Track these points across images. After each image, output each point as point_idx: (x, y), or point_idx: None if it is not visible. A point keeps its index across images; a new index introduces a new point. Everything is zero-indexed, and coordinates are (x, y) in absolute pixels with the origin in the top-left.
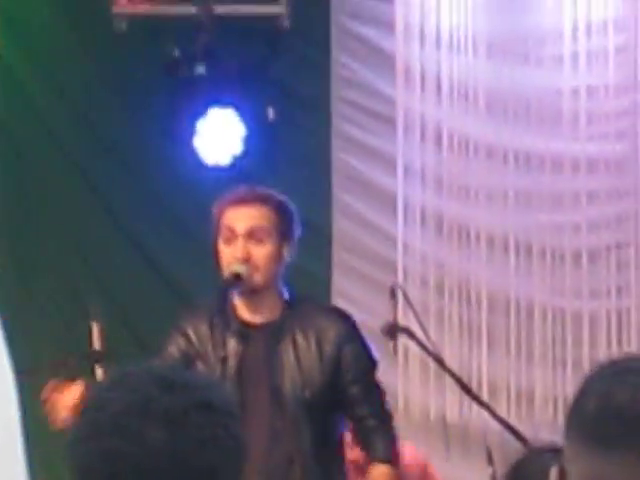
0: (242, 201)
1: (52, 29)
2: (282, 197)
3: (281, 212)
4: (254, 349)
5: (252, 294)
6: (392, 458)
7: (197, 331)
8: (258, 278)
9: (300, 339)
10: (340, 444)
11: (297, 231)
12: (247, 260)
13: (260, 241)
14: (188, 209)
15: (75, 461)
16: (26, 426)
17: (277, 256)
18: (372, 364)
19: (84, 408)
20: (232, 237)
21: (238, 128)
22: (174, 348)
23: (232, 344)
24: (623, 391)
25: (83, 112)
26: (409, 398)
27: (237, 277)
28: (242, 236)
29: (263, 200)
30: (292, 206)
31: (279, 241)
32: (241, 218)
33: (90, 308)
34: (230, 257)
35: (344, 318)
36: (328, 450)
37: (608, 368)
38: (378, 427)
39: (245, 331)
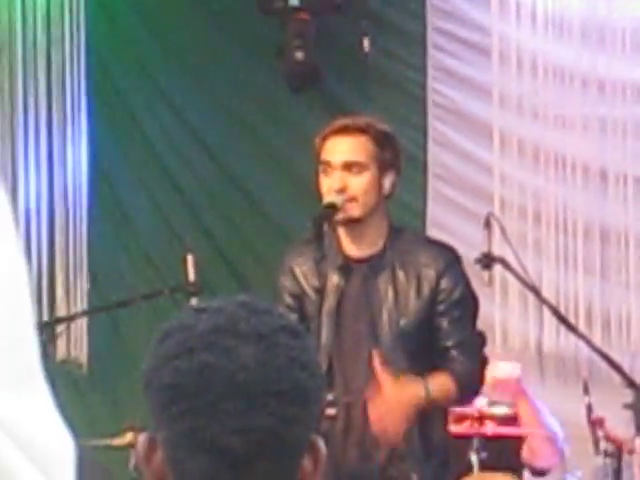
0: (341, 131)
1: None
2: (384, 126)
3: (381, 142)
4: (355, 283)
5: (352, 226)
6: (462, 379)
7: (302, 267)
8: (355, 209)
9: (400, 274)
10: None
11: (400, 161)
12: (343, 191)
13: (357, 172)
14: (281, 140)
15: (161, 381)
16: (119, 357)
17: (376, 187)
18: (468, 300)
19: (168, 331)
20: (329, 169)
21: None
22: (285, 292)
23: (334, 279)
24: None
25: (176, 44)
26: (507, 328)
27: (332, 207)
28: (339, 167)
29: (362, 130)
30: (394, 135)
31: (378, 172)
32: (338, 149)
33: (185, 240)
34: (327, 188)
35: (446, 253)
36: None
37: None
38: (459, 357)
39: (347, 266)
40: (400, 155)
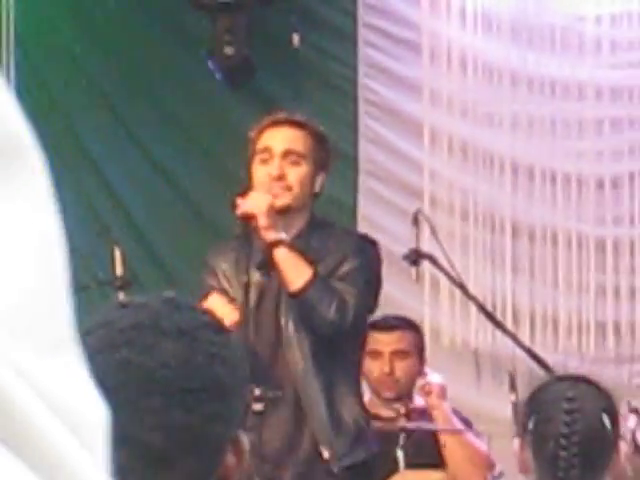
0: (280, 123)
1: None
2: (319, 127)
3: (318, 140)
4: (275, 277)
5: (279, 215)
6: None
7: (222, 266)
8: (288, 198)
9: (319, 267)
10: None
11: (330, 164)
12: (281, 179)
13: (296, 163)
14: (212, 135)
15: (90, 375)
16: None
17: (310, 181)
18: (366, 276)
19: (91, 326)
20: (268, 157)
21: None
22: (212, 291)
23: (255, 275)
24: None
25: (104, 34)
26: (436, 325)
27: (247, 218)
28: (278, 155)
29: (302, 125)
30: (328, 138)
31: (313, 167)
32: (279, 138)
33: (112, 234)
34: (264, 175)
35: (366, 248)
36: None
37: None
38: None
39: (267, 261)
40: (330, 158)
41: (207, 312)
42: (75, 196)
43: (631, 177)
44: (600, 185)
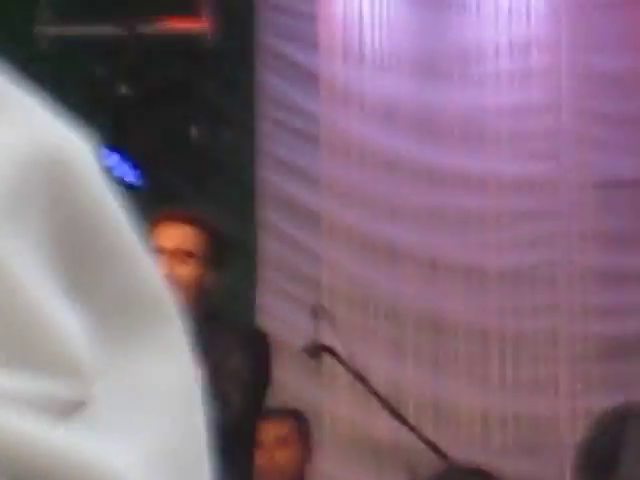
0: (172, 219)
1: None
2: (213, 222)
3: (212, 236)
4: None
5: None
6: None
7: None
8: (180, 295)
9: (201, 363)
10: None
11: (223, 260)
12: (169, 276)
13: (185, 261)
14: None
15: None
16: None
17: (199, 279)
18: (251, 376)
19: None
20: (159, 255)
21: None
22: None
23: None
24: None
25: None
26: (336, 416)
27: None
28: (168, 253)
29: (195, 221)
30: (222, 233)
31: (204, 265)
32: (169, 236)
33: None
34: None
35: (254, 342)
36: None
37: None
38: None
39: None
40: (224, 253)
41: None
42: None
43: (532, 269)
44: (501, 277)
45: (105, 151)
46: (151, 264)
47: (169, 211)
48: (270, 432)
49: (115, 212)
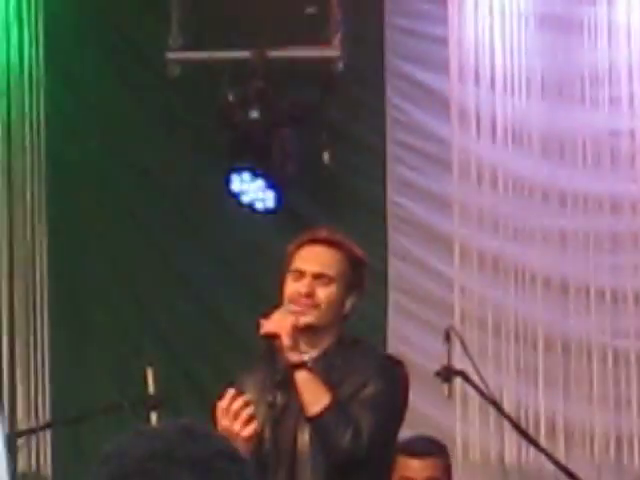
0: (317, 242)
1: (103, 75)
2: (358, 250)
3: (353, 264)
4: (295, 398)
5: (305, 333)
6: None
7: (251, 390)
8: (315, 316)
9: (341, 388)
10: None
11: (364, 286)
12: (310, 296)
13: (326, 283)
14: (242, 255)
15: None
16: (81, 471)
17: (339, 302)
18: (386, 401)
19: (106, 456)
20: (300, 276)
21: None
22: None
23: (278, 396)
24: None
25: (136, 158)
26: (468, 441)
27: (271, 337)
28: (311, 275)
29: (338, 246)
30: (366, 261)
31: (345, 290)
32: (313, 258)
33: (146, 353)
34: (294, 292)
35: (390, 369)
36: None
37: None
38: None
39: (286, 381)
40: (366, 281)
41: (223, 440)
42: (107, 316)
43: None
44: (638, 299)
45: (242, 175)
46: None
47: (313, 234)
48: (422, 470)
49: None
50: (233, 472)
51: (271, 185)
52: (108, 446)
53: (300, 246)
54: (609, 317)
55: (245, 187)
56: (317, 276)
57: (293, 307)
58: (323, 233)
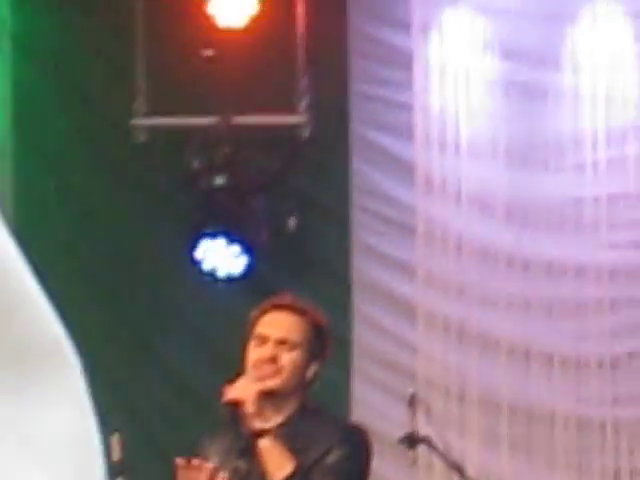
0: (280, 308)
1: (70, 140)
2: (322, 317)
3: (317, 329)
4: (256, 461)
5: (267, 398)
6: None
7: (213, 458)
8: (278, 381)
9: (305, 456)
10: None
11: (327, 353)
12: (274, 361)
13: (290, 349)
14: (204, 321)
15: None
16: None
17: (303, 368)
18: (348, 474)
19: None
20: (264, 341)
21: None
22: None
23: (240, 464)
24: None
25: (102, 223)
26: None
27: (234, 404)
28: (274, 340)
29: (302, 312)
30: (329, 328)
31: (308, 356)
32: (277, 324)
33: (109, 419)
34: (257, 357)
35: (353, 437)
36: None
37: None
38: None
39: (250, 448)
40: (329, 348)
41: None
42: None
43: (630, 357)
44: (600, 365)
45: (216, 240)
46: (51, 313)
47: (277, 300)
48: None
49: (15, 261)
50: None
51: (246, 250)
52: None
53: (263, 312)
54: (573, 384)
55: (211, 254)
56: (281, 341)
57: (257, 373)
58: (287, 299)
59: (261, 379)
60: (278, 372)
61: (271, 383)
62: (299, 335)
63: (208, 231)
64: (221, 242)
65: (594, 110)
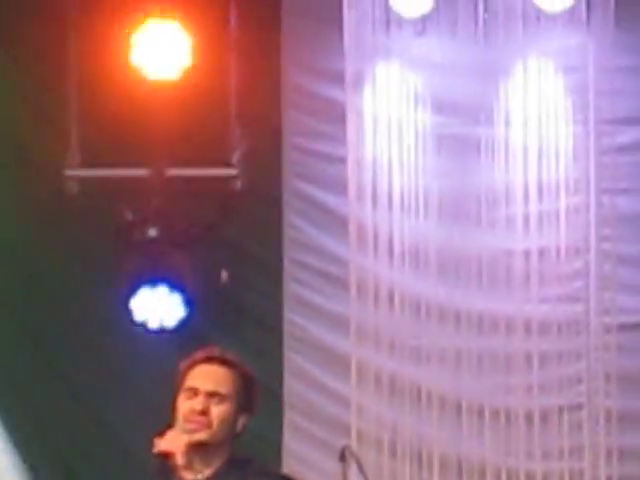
0: (210, 360)
1: (2, 189)
2: (249, 369)
3: (245, 383)
4: None
5: (196, 451)
6: None
7: None
8: (207, 434)
9: None
10: None
11: (256, 405)
12: (205, 413)
13: (219, 402)
14: (136, 371)
15: None
16: None
17: (232, 420)
18: None
19: None
20: (194, 394)
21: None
22: None
23: None
24: None
25: (32, 273)
26: None
27: (164, 456)
28: (204, 393)
29: (231, 364)
30: (257, 380)
31: (237, 408)
32: (206, 377)
33: (40, 474)
34: (188, 409)
35: None
36: None
37: None
38: None
39: None
40: (258, 400)
41: None
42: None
43: (560, 411)
44: (529, 419)
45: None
46: None
47: (205, 352)
48: None
49: None
50: None
51: (187, 300)
52: None
53: (193, 365)
54: (502, 437)
55: (147, 303)
56: (211, 394)
57: (187, 425)
58: (216, 351)
59: (192, 432)
60: (208, 425)
61: (201, 436)
62: (228, 387)
63: (148, 279)
64: (163, 290)
65: (525, 163)
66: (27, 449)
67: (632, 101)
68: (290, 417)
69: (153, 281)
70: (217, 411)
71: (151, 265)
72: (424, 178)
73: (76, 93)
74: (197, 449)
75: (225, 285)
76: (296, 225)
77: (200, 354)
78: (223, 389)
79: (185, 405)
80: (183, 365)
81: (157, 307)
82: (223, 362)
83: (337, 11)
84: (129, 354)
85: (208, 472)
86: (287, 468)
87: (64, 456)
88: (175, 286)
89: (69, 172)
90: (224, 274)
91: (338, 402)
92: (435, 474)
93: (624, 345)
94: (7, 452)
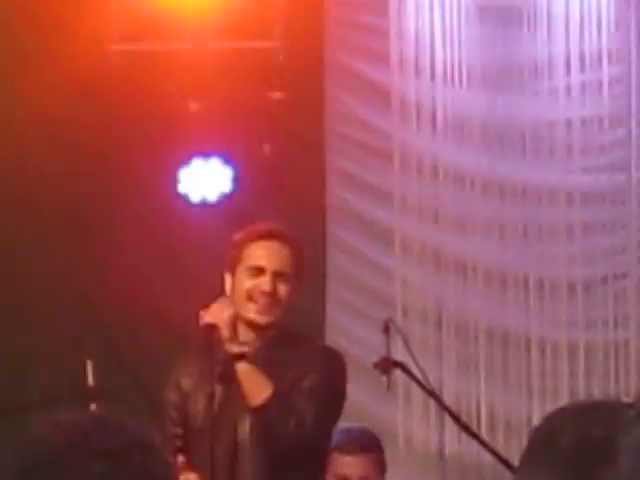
0: (271, 237)
1: None
2: (298, 238)
3: (299, 255)
4: (236, 389)
5: (251, 324)
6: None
7: (189, 380)
8: (277, 314)
9: (282, 380)
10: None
11: (303, 277)
12: (273, 295)
13: (285, 280)
14: (180, 246)
15: None
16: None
17: (293, 296)
18: (326, 393)
19: (24, 444)
20: (259, 273)
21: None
22: (170, 405)
23: (218, 389)
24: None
25: (76, 147)
26: (410, 433)
27: (209, 328)
28: (272, 273)
29: (291, 242)
30: (304, 250)
31: (296, 282)
32: (272, 255)
33: (86, 345)
34: (254, 288)
35: (328, 361)
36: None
37: (575, 408)
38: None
39: (227, 373)
40: (303, 271)
41: (140, 431)
42: (46, 307)
43: (603, 281)
44: (572, 290)
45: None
46: None
47: (267, 227)
48: (356, 469)
49: None
50: (149, 463)
51: (235, 176)
52: (22, 435)
53: (252, 239)
54: (546, 308)
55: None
56: (278, 274)
57: (253, 305)
58: (276, 227)
59: (259, 313)
60: (276, 306)
61: (270, 317)
62: (292, 267)
63: (198, 152)
64: (215, 163)
65: (567, 34)
66: (71, 324)
67: None
68: (333, 290)
69: (205, 154)
70: (283, 291)
71: (199, 138)
72: (466, 49)
73: None
74: (248, 323)
75: (266, 159)
76: (338, 98)
77: (260, 228)
78: (288, 269)
79: (249, 283)
80: (237, 239)
81: (204, 180)
82: (285, 239)
83: None
84: (173, 226)
85: (258, 343)
86: (329, 341)
87: (108, 332)
88: (227, 160)
89: (112, 46)
90: (266, 148)
91: (382, 275)
92: (481, 346)
93: None
94: None
